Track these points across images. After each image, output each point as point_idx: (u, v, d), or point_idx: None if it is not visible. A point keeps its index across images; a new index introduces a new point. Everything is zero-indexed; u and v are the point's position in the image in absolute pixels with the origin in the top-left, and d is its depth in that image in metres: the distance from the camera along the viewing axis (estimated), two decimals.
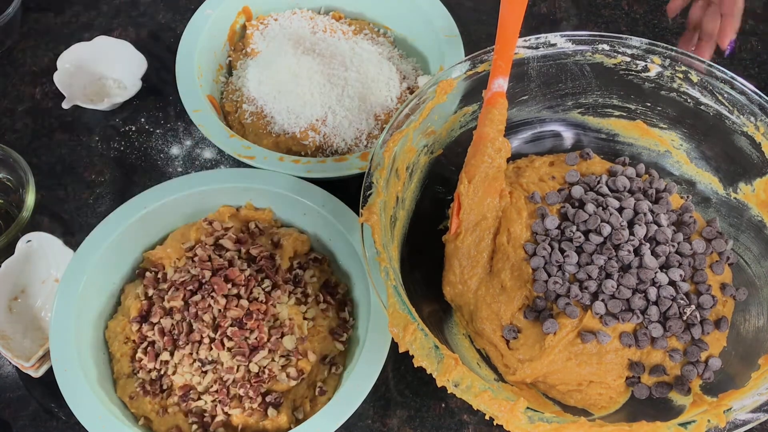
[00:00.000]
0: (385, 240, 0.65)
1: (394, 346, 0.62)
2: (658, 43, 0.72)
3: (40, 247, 0.77)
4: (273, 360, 0.68)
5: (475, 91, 0.74)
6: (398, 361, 0.75)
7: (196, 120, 0.81)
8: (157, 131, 0.91)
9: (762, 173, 0.70)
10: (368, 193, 0.66)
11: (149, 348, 0.70)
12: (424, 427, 0.73)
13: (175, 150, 0.89)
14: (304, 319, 0.72)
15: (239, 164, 0.84)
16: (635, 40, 0.72)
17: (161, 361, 0.69)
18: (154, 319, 0.70)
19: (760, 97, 0.69)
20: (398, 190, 0.69)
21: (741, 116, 0.70)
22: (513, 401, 0.57)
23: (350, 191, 0.77)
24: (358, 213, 0.68)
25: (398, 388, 0.75)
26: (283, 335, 0.69)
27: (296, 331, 0.70)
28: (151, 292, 0.73)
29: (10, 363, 0.75)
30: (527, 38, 0.73)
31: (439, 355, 0.59)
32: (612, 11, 1.00)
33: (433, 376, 0.59)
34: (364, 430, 0.73)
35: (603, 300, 0.68)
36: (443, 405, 0.74)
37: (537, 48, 0.73)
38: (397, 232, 0.69)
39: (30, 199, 0.79)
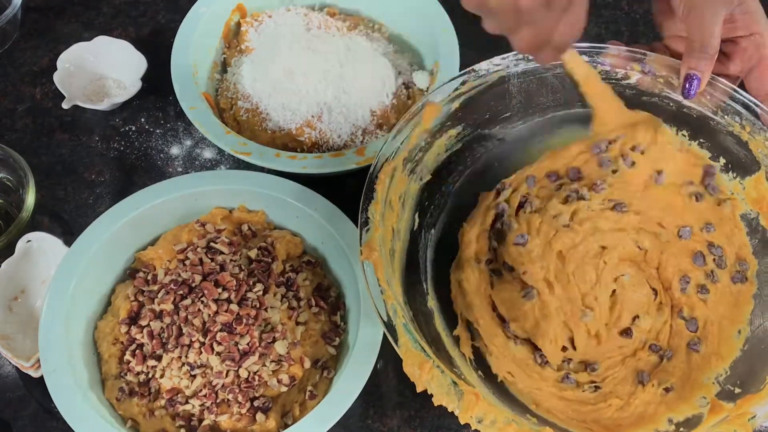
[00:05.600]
0: (387, 275, 0.63)
1: (389, 347, 0.62)
2: (637, 49, 0.72)
3: (40, 247, 0.77)
4: (264, 365, 0.68)
5: (457, 113, 0.73)
6: (398, 361, 0.74)
7: (192, 117, 0.81)
8: (157, 131, 0.91)
9: (752, 171, 0.70)
10: (365, 228, 0.65)
11: (137, 350, 0.70)
12: (424, 427, 0.73)
13: (175, 150, 0.89)
14: (297, 323, 0.71)
15: (239, 164, 0.84)
16: (613, 49, 0.72)
17: (148, 364, 0.69)
18: (143, 322, 0.70)
19: (741, 96, 0.69)
20: (393, 223, 0.68)
21: (725, 116, 0.69)
22: (538, 430, 0.57)
23: (346, 189, 0.77)
24: (352, 216, 0.67)
25: (398, 388, 0.75)
26: (274, 340, 0.69)
27: (288, 336, 0.70)
28: (141, 293, 0.73)
29: (10, 363, 0.75)
30: (505, 55, 0.72)
31: (459, 391, 0.58)
32: (612, 11, 1.00)
33: (455, 414, 0.58)
34: (364, 430, 0.73)
35: None
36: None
37: (516, 64, 0.72)
38: (396, 265, 0.68)
39: (30, 199, 0.79)
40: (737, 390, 0.66)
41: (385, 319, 0.60)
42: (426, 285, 0.72)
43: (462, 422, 0.58)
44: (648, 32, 0.97)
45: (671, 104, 0.72)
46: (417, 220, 0.72)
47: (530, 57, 0.72)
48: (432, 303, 0.71)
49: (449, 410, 0.58)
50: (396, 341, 0.60)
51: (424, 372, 0.58)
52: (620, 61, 0.72)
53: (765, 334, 0.69)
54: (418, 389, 0.59)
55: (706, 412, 0.65)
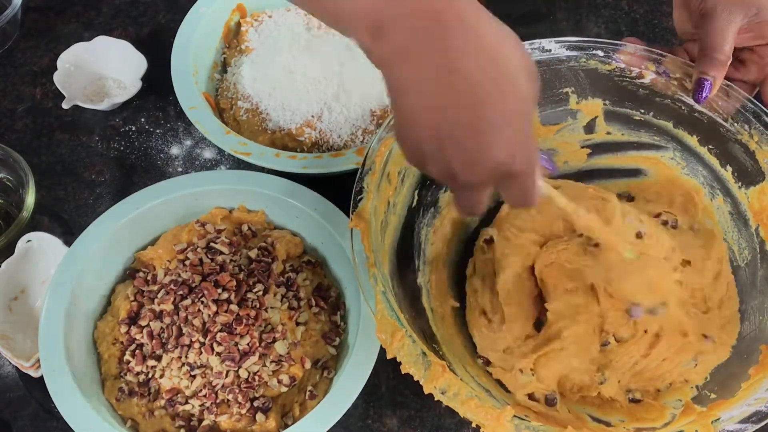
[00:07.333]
0: (375, 245, 0.64)
1: None
2: (653, 49, 0.72)
3: (40, 247, 0.77)
4: (264, 365, 0.68)
5: None
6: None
7: (192, 117, 0.81)
8: (157, 131, 0.91)
9: (756, 182, 0.70)
10: (359, 198, 0.65)
11: (137, 350, 0.70)
12: (424, 427, 0.73)
13: (175, 150, 0.89)
14: (297, 324, 0.71)
15: (239, 164, 0.84)
16: (630, 47, 0.72)
17: (148, 364, 0.69)
18: (143, 322, 0.70)
19: (753, 105, 0.69)
20: (389, 195, 0.69)
21: (735, 124, 0.69)
22: (500, 409, 0.57)
23: (347, 189, 0.76)
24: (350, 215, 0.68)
25: (398, 388, 0.75)
26: (274, 340, 0.69)
27: (288, 336, 0.70)
28: (141, 293, 0.72)
29: (10, 363, 0.75)
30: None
31: (427, 362, 0.59)
32: (612, 11, 1.00)
33: (421, 383, 0.58)
34: (364, 430, 0.73)
35: None
36: (443, 405, 0.73)
37: (531, 53, 0.72)
38: (388, 238, 0.68)
39: (30, 199, 0.79)
40: (713, 396, 0.66)
41: (365, 285, 0.61)
42: (418, 261, 0.73)
43: (426, 392, 0.58)
44: (648, 32, 0.97)
45: (683, 108, 0.72)
46: (416, 197, 0.73)
47: (546, 47, 0.72)
48: (422, 280, 0.72)
49: (415, 379, 0.58)
50: (373, 308, 0.61)
51: (395, 340, 0.59)
52: (636, 59, 0.71)
53: (749, 344, 0.69)
54: (388, 356, 0.60)
55: (678, 413, 0.66)
